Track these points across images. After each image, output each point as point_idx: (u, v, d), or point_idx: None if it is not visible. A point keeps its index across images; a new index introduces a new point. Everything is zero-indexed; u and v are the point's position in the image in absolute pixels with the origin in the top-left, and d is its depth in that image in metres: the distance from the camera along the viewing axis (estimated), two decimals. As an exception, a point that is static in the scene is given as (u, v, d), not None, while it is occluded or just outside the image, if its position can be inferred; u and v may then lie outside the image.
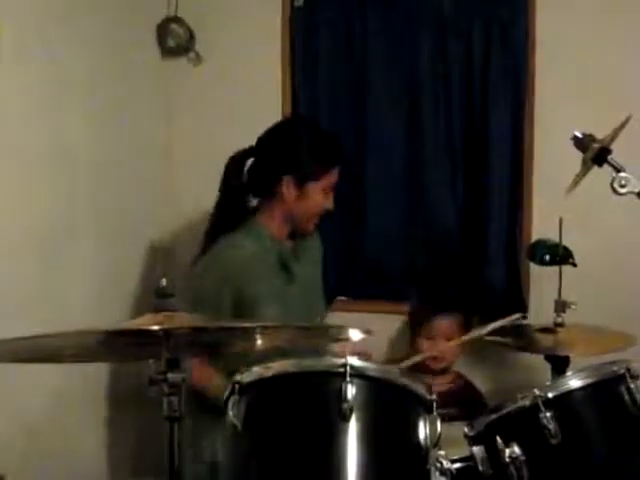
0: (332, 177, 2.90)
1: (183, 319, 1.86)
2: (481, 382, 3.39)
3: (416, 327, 3.39)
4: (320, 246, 3.13)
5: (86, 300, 3.06)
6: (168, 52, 3.58)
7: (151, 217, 3.52)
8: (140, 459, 3.29)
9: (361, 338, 2.04)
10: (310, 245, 3.06)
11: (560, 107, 3.30)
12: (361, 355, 2.20)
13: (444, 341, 3.26)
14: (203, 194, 3.50)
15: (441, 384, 3.20)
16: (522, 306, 3.38)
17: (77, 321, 2.81)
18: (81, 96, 3.03)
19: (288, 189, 2.86)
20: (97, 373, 3.12)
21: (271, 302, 2.81)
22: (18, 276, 2.71)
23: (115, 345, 1.97)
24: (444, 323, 3.31)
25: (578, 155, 2.26)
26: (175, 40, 3.56)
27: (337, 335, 2.26)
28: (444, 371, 3.33)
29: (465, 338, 3.11)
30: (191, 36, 3.58)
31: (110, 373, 3.21)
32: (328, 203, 2.92)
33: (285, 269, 2.91)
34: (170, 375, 1.80)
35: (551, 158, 3.30)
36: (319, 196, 2.89)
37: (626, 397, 2.02)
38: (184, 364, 1.96)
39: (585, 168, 2.27)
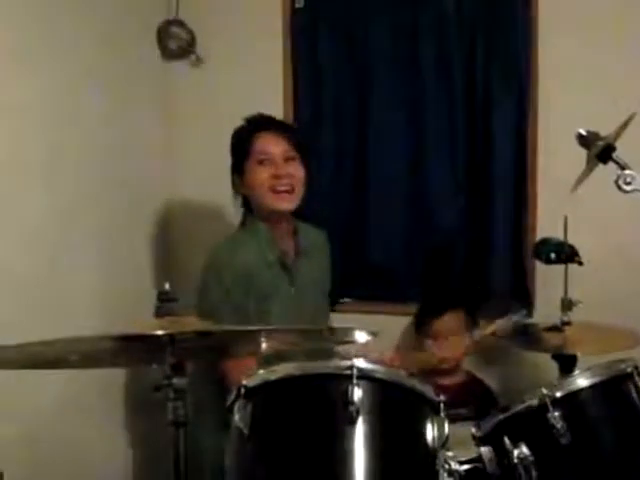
0: (258, 146, 2.86)
1: (187, 323, 1.86)
2: (488, 382, 3.37)
3: (421, 327, 3.38)
4: (325, 244, 3.09)
5: (89, 301, 3.05)
6: (169, 54, 3.58)
7: (151, 217, 3.51)
8: (149, 464, 3.28)
9: (367, 340, 2.03)
10: (314, 243, 3.02)
11: (564, 105, 3.28)
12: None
13: (450, 340, 3.26)
14: (204, 195, 3.51)
15: (450, 383, 3.20)
16: (528, 305, 3.37)
17: (80, 324, 2.82)
18: (82, 98, 3.03)
19: (241, 186, 2.89)
20: (106, 377, 3.10)
21: (272, 301, 2.79)
22: (20, 281, 2.70)
23: (120, 350, 1.96)
24: (450, 322, 3.30)
25: (583, 153, 2.24)
26: (176, 42, 3.57)
27: (343, 337, 2.25)
28: (453, 370, 3.31)
29: (472, 337, 3.10)
30: (192, 38, 3.57)
31: (119, 377, 3.20)
32: (271, 172, 2.84)
33: (284, 269, 2.88)
34: (175, 380, 1.79)
35: (555, 156, 3.29)
36: (257, 170, 2.85)
37: (634, 395, 2.02)
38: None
39: (590, 166, 2.26)
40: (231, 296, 2.74)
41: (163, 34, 3.55)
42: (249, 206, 2.94)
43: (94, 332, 1.95)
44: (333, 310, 3.17)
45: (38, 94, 2.80)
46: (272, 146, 2.88)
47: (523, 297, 3.39)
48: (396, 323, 3.54)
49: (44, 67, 2.83)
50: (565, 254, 2.96)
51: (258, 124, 2.93)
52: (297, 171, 2.89)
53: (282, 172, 2.85)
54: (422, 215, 3.54)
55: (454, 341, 3.27)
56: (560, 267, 2.97)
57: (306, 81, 3.61)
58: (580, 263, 2.97)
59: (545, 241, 3.09)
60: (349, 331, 2.12)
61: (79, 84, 3.01)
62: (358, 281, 3.60)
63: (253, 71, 3.57)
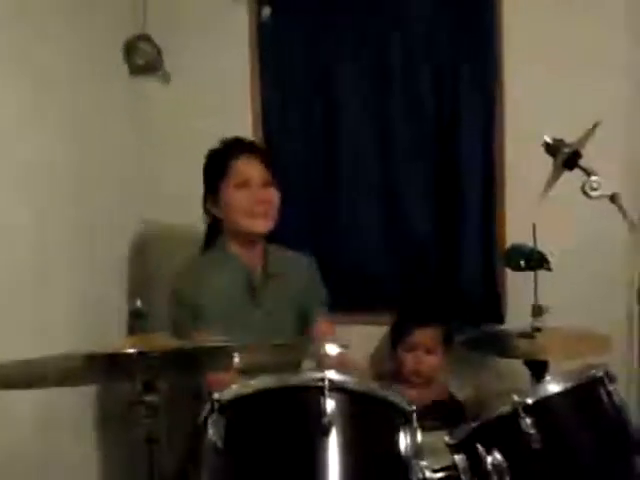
0: (236, 169, 2.90)
1: (158, 340, 1.85)
2: (460, 388, 3.39)
3: (396, 340, 3.38)
4: (305, 267, 3.09)
5: (64, 318, 3.03)
6: (137, 70, 3.57)
7: (126, 234, 3.50)
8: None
9: (338, 352, 2.04)
10: (287, 265, 3.01)
11: (530, 113, 3.31)
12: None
13: (425, 353, 3.27)
14: (174, 210, 3.50)
15: (423, 397, 3.17)
16: (499, 312, 3.39)
17: (54, 341, 2.81)
18: (51, 114, 3.02)
19: (214, 207, 2.93)
20: (79, 393, 3.09)
21: (229, 325, 2.72)
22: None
23: (91, 368, 1.96)
24: (425, 335, 3.30)
25: (549, 160, 2.27)
26: (143, 58, 3.56)
27: (313, 350, 2.25)
28: (427, 384, 3.31)
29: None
30: (159, 54, 3.57)
31: (93, 393, 3.19)
32: (250, 197, 2.88)
33: (252, 290, 2.90)
34: (147, 397, 1.79)
35: (522, 164, 3.30)
36: (233, 193, 2.88)
37: (605, 400, 2.04)
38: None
39: (556, 173, 2.28)
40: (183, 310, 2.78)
41: (130, 50, 3.55)
42: (216, 226, 2.97)
43: (68, 349, 1.94)
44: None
45: (4, 111, 2.79)
46: (251, 170, 2.92)
47: (494, 304, 3.41)
48: (368, 333, 3.53)
49: (8, 82, 2.81)
50: (534, 261, 2.99)
51: (236, 147, 2.95)
52: (273, 197, 2.94)
53: (260, 197, 2.90)
54: (393, 224, 3.55)
55: (429, 356, 3.28)
56: (530, 274, 2.99)
57: (274, 94, 3.61)
58: (549, 269, 2.99)
59: (514, 248, 3.11)
60: (319, 344, 2.13)
61: (47, 100, 3.00)
62: (329, 291, 3.59)
63: (221, 85, 3.56)
